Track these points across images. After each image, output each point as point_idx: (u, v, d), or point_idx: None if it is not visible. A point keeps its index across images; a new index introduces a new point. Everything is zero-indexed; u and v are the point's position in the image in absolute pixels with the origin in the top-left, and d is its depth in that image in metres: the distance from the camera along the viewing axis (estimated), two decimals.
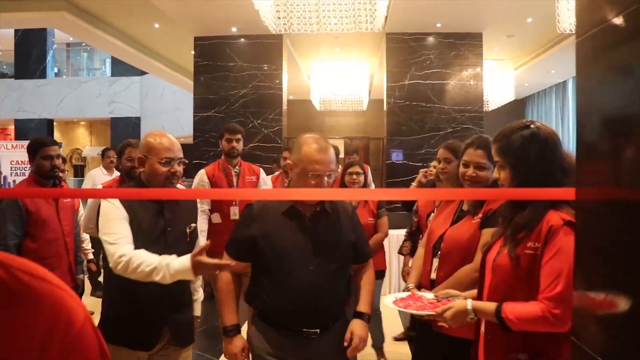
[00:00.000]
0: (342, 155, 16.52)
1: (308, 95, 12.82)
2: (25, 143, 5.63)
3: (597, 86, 1.11)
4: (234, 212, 4.36)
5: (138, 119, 19.16)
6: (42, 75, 20.43)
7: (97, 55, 22.35)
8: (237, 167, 4.59)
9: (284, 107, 8.88)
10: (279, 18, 5.62)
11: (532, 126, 1.97)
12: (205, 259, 2.23)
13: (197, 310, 2.86)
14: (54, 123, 20.61)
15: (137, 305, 2.46)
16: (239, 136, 4.56)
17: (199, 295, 2.90)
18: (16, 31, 19.19)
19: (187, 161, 2.82)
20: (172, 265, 2.26)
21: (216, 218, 4.39)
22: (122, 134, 17.83)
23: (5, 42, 19.83)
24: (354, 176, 4.30)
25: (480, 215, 2.55)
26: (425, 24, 8.08)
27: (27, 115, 19.83)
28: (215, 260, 2.27)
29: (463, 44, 8.37)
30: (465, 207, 2.70)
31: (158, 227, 2.51)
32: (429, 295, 2.42)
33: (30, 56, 20.28)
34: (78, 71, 23.15)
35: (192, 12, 7.74)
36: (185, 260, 2.25)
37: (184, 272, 2.25)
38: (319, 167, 2.31)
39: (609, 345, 1.04)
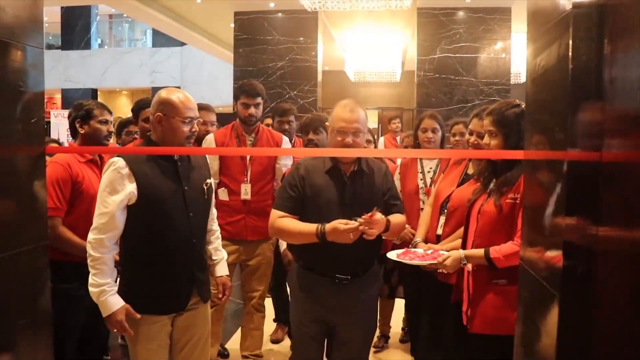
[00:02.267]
0: (375, 125, 16.89)
1: (343, 66, 13.12)
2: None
3: (542, 69, 1.52)
4: (245, 191, 3.64)
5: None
6: (87, 46, 21.05)
7: (138, 26, 22.85)
8: (253, 135, 3.77)
9: (319, 78, 9.26)
10: None
11: (522, 105, 2.42)
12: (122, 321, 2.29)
13: (225, 270, 2.82)
14: (98, 92, 21.30)
15: (166, 270, 2.42)
16: (259, 100, 3.73)
17: (223, 254, 2.84)
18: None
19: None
20: (103, 296, 2.29)
21: (223, 195, 3.66)
22: None
23: (52, 14, 20.45)
24: (430, 134, 3.68)
25: (460, 174, 3.06)
26: None
27: (72, 85, 20.49)
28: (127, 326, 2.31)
29: (492, 18, 8.59)
30: (470, 171, 3.14)
31: (174, 185, 2.41)
32: (420, 250, 2.91)
33: (75, 28, 20.90)
34: (120, 42, 23.75)
35: None
36: (112, 304, 2.30)
37: (102, 308, 2.31)
38: (343, 125, 2.54)
39: (549, 270, 1.46)
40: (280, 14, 9.05)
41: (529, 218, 1.63)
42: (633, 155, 0.98)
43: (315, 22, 9.06)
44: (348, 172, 2.62)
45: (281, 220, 2.60)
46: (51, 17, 20.94)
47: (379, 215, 2.41)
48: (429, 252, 2.80)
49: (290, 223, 2.58)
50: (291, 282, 2.84)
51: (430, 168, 3.63)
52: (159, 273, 2.43)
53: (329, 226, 2.42)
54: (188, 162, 2.52)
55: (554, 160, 1.35)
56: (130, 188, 2.33)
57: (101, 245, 2.32)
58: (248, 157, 3.70)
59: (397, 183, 3.72)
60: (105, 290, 2.31)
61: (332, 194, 2.58)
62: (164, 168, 2.42)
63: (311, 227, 2.49)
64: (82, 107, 3.12)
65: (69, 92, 20.49)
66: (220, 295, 2.79)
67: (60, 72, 20.29)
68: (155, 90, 19.85)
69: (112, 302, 2.31)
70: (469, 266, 2.51)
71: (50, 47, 22.96)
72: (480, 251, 2.39)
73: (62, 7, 20.24)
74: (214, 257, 2.79)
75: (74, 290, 2.83)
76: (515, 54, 9.17)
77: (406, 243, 3.37)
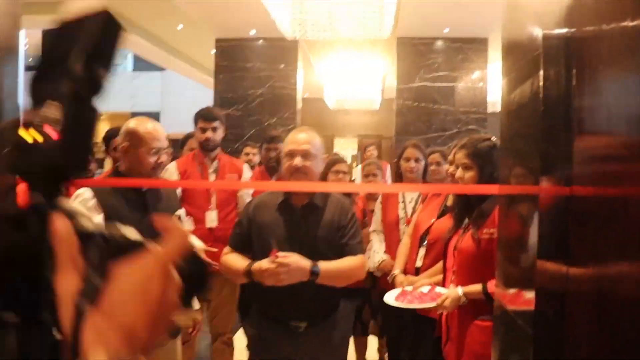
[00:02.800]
0: (355, 152, 16.97)
1: (322, 94, 13.21)
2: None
3: (515, 110, 1.53)
4: (211, 218, 3.50)
5: (157, 114, 19.62)
6: None
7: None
8: (215, 162, 3.70)
9: (298, 106, 9.30)
10: (295, 25, 6.06)
11: (493, 139, 2.45)
12: None
13: (195, 304, 2.68)
14: None
15: None
16: (216, 124, 3.65)
17: None
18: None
19: (172, 150, 2.75)
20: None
21: (188, 224, 3.34)
22: None
23: (33, 37, 20.34)
24: (340, 175, 3.78)
25: (438, 208, 3.01)
26: (433, 29, 8.45)
27: None
28: None
29: (469, 48, 8.73)
30: (449, 203, 3.11)
31: (143, 219, 2.25)
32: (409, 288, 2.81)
33: None
34: None
35: (214, 15, 8.17)
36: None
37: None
38: (292, 147, 2.35)
39: (522, 307, 1.45)
40: (261, 41, 9.11)
41: (503, 252, 1.63)
42: (600, 190, 0.98)
43: (295, 50, 9.13)
44: (299, 206, 2.38)
45: (226, 256, 2.42)
46: (31, 40, 20.80)
47: (293, 259, 2.16)
48: (425, 289, 2.71)
49: (230, 260, 2.39)
50: (247, 328, 2.63)
51: (412, 198, 3.61)
52: None
53: (255, 265, 2.22)
54: (156, 193, 2.47)
55: (527, 195, 1.36)
56: (97, 220, 2.25)
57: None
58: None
59: (378, 213, 3.72)
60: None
61: (281, 230, 2.33)
62: (131, 200, 2.35)
63: (242, 265, 2.28)
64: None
65: None
66: (190, 330, 2.72)
67: None
68: (134, 115, 19.79)
69: None
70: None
71: (30, 69, 22.75)
72: (477, 287, 2.36)
73: (42, 29, 20.12)
74: None
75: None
76: (492, 83, 9.32)
77: (387, 275, 3.34)
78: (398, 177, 3.80)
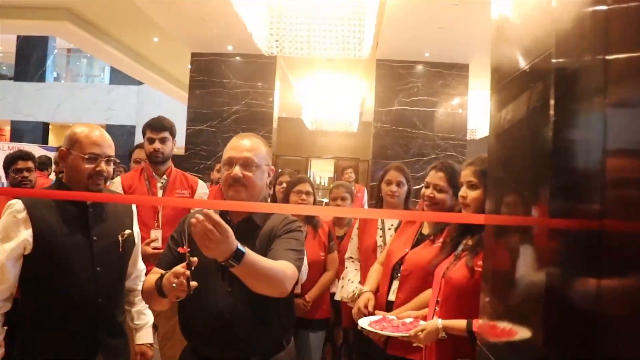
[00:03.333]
0: (331, 174, 16.83)
1: (300, 114, 13.07)
2: (21, 145, 5.82)
3: (504, 133, 1.35)
4: (156, 237, 3.17)
5: (133, 128, 19.30)
6: (42, 79, 20.59)
7: (96, 62, 22.54)
8: (164, 177, 3.41)
9: (275, 125, 9.13)
10: (272, 41, 5.88)
11: None
12: None
13: (148, 337, 2.46)
14: (50, 126, 20.76)
15: (63, 334, 2.09)
16: (166, 134, 3.37)
17: (147, 318, 2.47)
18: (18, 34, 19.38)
19: (118, 161, 2.47)
20: None
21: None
22: (116, 141, 17.58)
23: (7, 44, 20.02)
24: (303, 196, 3.49)
25: (441, 239, 2.61)
26: (414, 53, 8.37)
27: (23, 117, 19.95)
28: None
29: (450, 74, 8.67)
30: (425, 231, 2.83)
31: (80, 235, 2.13)
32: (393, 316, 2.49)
33: (31, 59, 20.47)
34: (77, 77, 23.34)
35: (190, 29, 8.00)
36: None
37: None
38: (231, 154, 2.03)
39: (505, 353, 1.26)
40: (238, 57, 8.94)
41: (488, 290, 1.42)
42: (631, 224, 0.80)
43: (273, 68, 8.99)
44: (236, 222, 2.02)
45: (148, 275, 2.03)
46: (6, 47, 20.49)
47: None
48: (408, 320, 2.41)
49: (149, 277, 1.98)
50: None
51: (392, 225, 3.34)
52: (55, 336, 2.09)
53: (168, 273, 1.77)
54: (103, 209, 2.22)
55: (517, 226, 1.17)
56: (24, 235, 2.04)
57: None
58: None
59: (355, 239, 3.49)
60: None
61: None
62: (70, 214, 2.13)
63: (154, 280, 1.86)
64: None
65: (19, 124, 19.92)
66: None
67: (10, 103, 19.75)
68: (109, 127, 19.70)
69: None
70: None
71: (2, 77, 22.40)
72: (461, 323, 2.08)
73: (17, 37, 19.84)
74: (136, 322, 2.43)
75: None
76: (472, 111, 9.25)
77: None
78: (379, 201, 3.55)
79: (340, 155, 16.40)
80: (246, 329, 1.93)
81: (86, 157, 2.13)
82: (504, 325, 1.27)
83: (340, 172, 8.21)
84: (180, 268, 1.70)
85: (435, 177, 2.71)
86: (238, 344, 1.95)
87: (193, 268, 1.71)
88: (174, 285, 1.69)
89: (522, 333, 1.12)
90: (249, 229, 2.01)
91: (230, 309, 1.92)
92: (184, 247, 1.73)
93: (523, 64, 1.14)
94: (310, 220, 3.52)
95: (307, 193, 3.50)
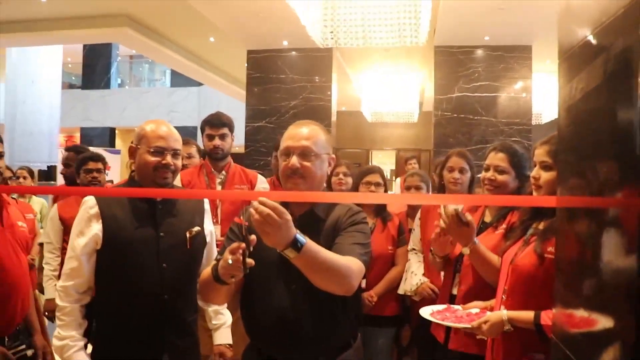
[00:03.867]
0: (393, 167, 16.64)
1: (359, 106, 12.98)
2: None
3: (576, 104, 1.22)
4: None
5: (195, 128, 19.67)
6: (107, 86, 21.30)
7: (157, 67, 23.12)
8: (223, 173, 3.41)
9: (333, 118, 9.05)
10: (326, 33, 5.81)
11: None
12: None
13: (227, 338, 2.42)
14: (116, 131, 21.43)
15: (131, 328, 2.11)
16: (225, 130, 3.37)
17: (225, 318, 2.45)
18: (84, 45, 20.06)
19: (186, 155, 2.51)
20: (66, 352, 2.03)
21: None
22: None
23: (74, 55, 20.78)
24: (372, 187, 3.39)
25: (504, 226, 2.51)
26: (473, 37, 8.11)
27: (91, 124, 20.71)
28: None
29: (512, 57, 8.35)
30: (487, 219, 2.67)
31: (148, 231, 2.12)
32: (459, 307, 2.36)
33: (96, 68, 21.21)
34: (140, 82, 24.03)
35: (244, 26, 8.02)
36: None
37: None
38: (288, 143, 1.93)
39: (585, 349, 1.14)
40: (293, 52, 8.91)
41: (562, 278, 1.30)
42: None
43: (329, 61, 8.90)
44: (297, 215, 1.89)
45: (205, 269, 1.95)
46: (74, 58, 21.27)
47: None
48: (474, 311, 2.27)
49: (206, 269, 1.91)
50: None
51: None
52: (124, 332, 2.11)
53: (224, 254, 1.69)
54: (172, 205, 2.20)
55: (595, 208, 1.05)
56: (95, 229, 2.08)
57: (67, 294, 2.09)
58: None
59: (417, 230, 3.36)
60: (69, 345, 2.04)
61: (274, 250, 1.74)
62: (139, 210, 2.13)
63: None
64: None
65: (88, 130, 20.68)
66: None
67: (79, 111, 20.53)
68: None
69: (75, 359, 2.04)
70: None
71: (71, 86, 23.29)
72: (529, 314, 1.94)
73: (84, 48, 20.55)
74: (213, 322, 2.41)
75: None
76: (537, 94, 8.89)
77: (426, 301, 2.96)
78: (440, 189, 3.40)
79: (401, 147, 16.21)
80: (312, 328, 1.86)
81: (152, 150, 2.13)
82: (582, 316, 1.15)
83: (404, 163, 8.02)
84: (235, 244, 1.62)
85: (495, 158, 2.56)
86: (303, 344, 1.87)
87: (251, 247, 1.63)
88: (230, 262, 1.61)
89: (606, 324, 1.01)
90: (312, 222, 1.92)
91: (295, 307, 1.85)
92: (240, 218, 1.67)
93: (597, 23, 1.01)
94: (380, 213, 3.44)
95: (377, 184, 3.39)
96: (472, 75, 8.43)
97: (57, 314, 2.10)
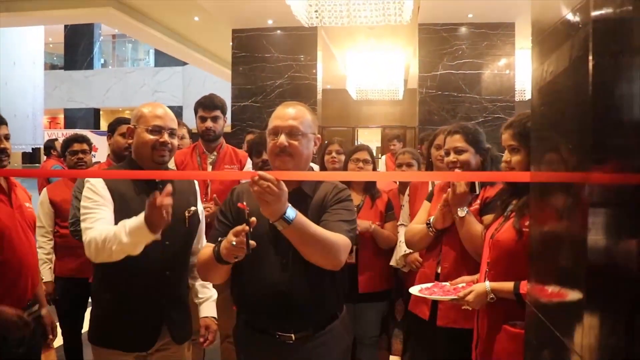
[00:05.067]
0: (379, 144, 16.71)
1: (344, 84, 13.00)
2: (75, 132, 6.05)
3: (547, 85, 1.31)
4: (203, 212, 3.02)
5: (180, 108, 19.61)
6: (90, 66, 21.08)
7: (141, 46, 22.90)
8: (214, 153, 3.51)
9: (319, 97, 9.09)
10: (311, 12, 5.85)
11: None
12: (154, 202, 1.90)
13: (212, 311, 2.52)
14: (101, 112, 21.28)
15: (131, 303, 2.19)
16: (217, 113, 3.47)
17: (211, 293, 2.55)
18: (66, 24, 19.83)
19: (181, 134, 2.58)
20: (127, 226, 1.98)
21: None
22: None
23: (56, 35, 20.52)
24: (361, 164, 3.45)
25: (478, 201, 2.64)
26: (456, 14, 8.15)
27: (75, 105, 20.55)
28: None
29: (495, 34, 8.41)
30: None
31: None
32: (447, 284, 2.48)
33: (79, 48, 20.97)
34: (123, 62, 23.79)
35: (229, 5, 8.00)
36: (139, 216, 1.97)
37: (139, 230, 1.95)
38: (276, 123, 2.01)
39: (558, 313, 1.24)
40: (278, 31, 8.91)
41: (536, 249, 1.40)
42: None
43: (314, 40, 8.91)
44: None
45: (200, 252, 2.08)
46: (55, 38, 21.01)
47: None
48: (461, 285, 2.40)
49: (204, 250, 2.04)
50: (235, 338, 2.25)
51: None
52: (124, 305, 2.20)
53: (228, 235, 1.80)
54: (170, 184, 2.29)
55: (562, 184, 1.14)
56: (108, 196, 2.17)
57: (98, 231, 2.06)
58: None
59: (406, 206, 3.46)
60: (124, 224, 2.01)
61: (265, 220, 1.84)
62: (141, 188, 2.22)
63: (210, 249, 1.92)
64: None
65: (72, 111, 20.52)
66: (201, 340, 2.47)
67: (63, 92, 20.35)
68: None
69: (132, 220, 2.00)
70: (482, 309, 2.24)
71: (53, 67, 23.02)
72: (509, 285, 2.07)
73: (65, 28, 20.29)
74: (200, 295, 2.51)
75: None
76: (520, 71, 8.97)
77: (414, 272, 3.08)
78: (428, 166, 3.50)
79: (387, 124, 16.26)
80: (301, 300, 1.96)
81: (150, 129, 2.23)
82: (552, 286, 1.25)
83: (387, 144, 8.06)
84: (239, 227, 1.74)
85: (452, 140, 2.70)
86: (293, 315, 1.98)
87: (251, 229, 1.74)
88: (234, 243, 1.73)
89: (570, 293, 1.11)
90: (300, 199, 2.01)
91: (285, 280, 1.95)
92: (243, 203, 1.76)
93: (564, 12, 1.10)
94: (369, 190, 3.50)
95: (365, 161, 3.46)
96: (456, 53, 8.49)
97: (108, 245, 2.03)
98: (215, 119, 3.47)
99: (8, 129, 2.45)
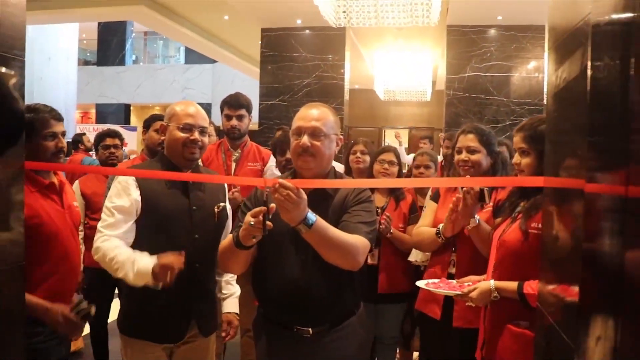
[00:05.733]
0: (406, 145, 16.67)
1: (372, 84, 13.02)
2: (106, 127, 6.21)
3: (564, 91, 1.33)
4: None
5: (209, 105, 19.78)
6: (122, 62, 21.43)
7: (172, 43, 23.17)
8: (238, 150, 3.58)
9: (346, 96, 9.12)
10: (339, 12, 5.88)
11: None
12: (167, 261, 2.02)
13: (235, 307, 2.58)
14: (131, 108, 21.60)
15: (161, 296, 2.18)
16: (242, 112, 3.54)
17: (234, 289, 2.61)
18: (99, 22, 20.17)
19: (212, 134, 2.67)
20: (137, 264, 2.06)
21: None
22: None
23: (89, 32, 20.89)
24: (386, 165, 3.45)
25: (491, 204, 2.65)
26: (486, 16, 8.11)
27: (107, 100, 20.89)
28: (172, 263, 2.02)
29: (525, 36, 8.34)
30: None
31: (181, 204, 2.27)
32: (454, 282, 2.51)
33: (111, 44, 21.33)
34: (154, 59, 24.12)
35: (259, 5, 8.08)
36: (150, 262, 2.06)
37: (144, 275, 2.04)
38: (299, 124, 2.07)
39: (566, 316, 1.26)
40: (307, 31, 8.97)
41: (547, 253, 1.43)
42: None
43: (342, 40, 8.94)
44: (308, 191, 1.96)
45: (223, 240, 2.14)
46: (88, 34, 21.38)
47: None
48: (467, 284, 2.40)
49: (225, 239, 2.11)
50: (253, 332, 2.34)
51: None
52: (155, 298, 2.22)
53: (244, 224, 1.86)
54: (201, 182, 2.39)
55: (575, 189, 1.17)
56: (135, 195, 2.23)
57: (112, 246, 2.14)
58: (233, 171, 3.52)
59: (431, 206, 3.43)
60: (133, 260, 2.09)
61: (285, 224, 1.91)
62: (173, 184, 2.29)
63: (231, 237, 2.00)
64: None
65: (103, 107, 20.87)
66: (223, 334, 2.53)
67: (95, 87, 20.69)
68: None
69: (144, 262, 2.08)
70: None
71: (86, 63, 23.44)
72: (513, 284, 2.10)
73: (99, 24, 20.64)
74: (224, 291, 2.57)
75: (38, 343, 2.28)
76: None
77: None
78: (450, 167, 3.48)
79: (414, 125, 16.23)
80: (319, 296, 2.02)
81: (181, 127, 2.29)
82: (562, 290, 1.27)
83: (417, 142, 8.07)
84: (257, 208, 1.82)
85: (466, 139, 2.73)
86: (311, 310, 2.04)
87: (270, 215, 1.81)
88: (252, 223, 1.79)
89: (580, 298, 1.13)
90: (322, 198, 2.06)
91: (304, 277, 2.01)
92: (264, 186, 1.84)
93: (577, 19, 1.12)
94: (393, 192, 3.50)
95: (391, 163, 3.46)
96: (485, 55, 8.45)
97: (114, 266, 2.11)
98: (240, 118, 3.54)
99: (63, 125, 2.48)
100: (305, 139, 2.03)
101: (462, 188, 2.54)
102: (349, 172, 3.68)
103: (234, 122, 3.52)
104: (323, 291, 2.02)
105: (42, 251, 2.25)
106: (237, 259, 2.03)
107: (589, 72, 0.97)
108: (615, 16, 0.97)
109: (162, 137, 2.41)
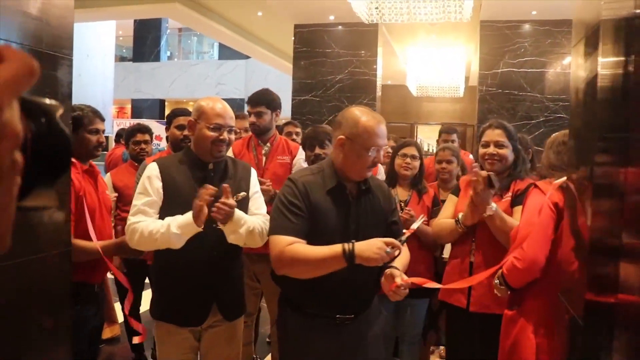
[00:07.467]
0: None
1: (405, 80, 13.00)
2: (141, 121, 6.36)
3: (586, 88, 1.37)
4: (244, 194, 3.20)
5: (242, 100, 19.95)
6: (157, 58, 21.80)
7: (205, 39, 23.47)
8: (268, 144, 3.69)
9: (378, 92, 9.15)
10: (371, 9, 5.93)
11: None
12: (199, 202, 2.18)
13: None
14: (166, 103, 21.95)
15: (186, 282, 2.41)
16: (261, 109, 3.63)
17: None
18: (135, 19, 20.54)
19: (238, 130, 2.72)
20: (175, 221, 2.25)
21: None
22: None
23: (126, 29, 21.29)
24: (408, 159, 3.49)
25: (509, 194, 2.75)
26: (520, 11, 8.03)
27: (142, 96, 21.30)
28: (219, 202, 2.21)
29: (559, 32, 8.24)
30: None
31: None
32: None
33: (146, 41, 21.71)
34: (188, 54, 24.47)
35: (291, 1, 8.16)
36: (183, 215, 2.26)
37: (188, 225, 2.23)
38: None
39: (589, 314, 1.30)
40: (340, 27, 9.02)
41: (568, 250, 1.47)
42: None
43: (375, 36, 8.96)
44: (354, 192, 2.23)
45: (292, 247, 2.06)
46: (125, 31, 21.79)
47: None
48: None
49: (307, 249, 2.07)
50: (280, 331, 2.41)
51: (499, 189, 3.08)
52: (178, 283, 2.44)
53: (360, 245, 1.97)
54: (223, 172, 2.51)
55: (602, 183, 1.21)
56: (157, 185, 2.39)
57: (146, 224, 2.31)
58: (264, 164, 3.62)
59: (452, 199, 3.46)
60: (170, 223, 2.27)
61: (334, 217, 2.15)
62: (195, 175, 2.44)
63: (334, 249, 2.00)
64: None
65: (138, 102, 21.27)
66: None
67: (131, 83, 21.10)
68: None
69: (180, 218, 2.27)
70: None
71: (123, 59, 23.89)
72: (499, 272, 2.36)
73: (134, 22, 21.02)
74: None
75: (77, 312, 2.50)
76: None
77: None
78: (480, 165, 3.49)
79: (446, 121, 16.13)
80: (363, 287, 2.24)
81: (212, 127, 2.41)
82: (587, 288, 1.32)
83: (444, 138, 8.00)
84: (391, 239, 2.03)
85: (493, 134, 2.81)
86: (356, 300, 2.25)
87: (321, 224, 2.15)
88: (388, 251, 1.97)
89: (605, 298, 1.17)
90: (367, 197, 2.28)
91: (350, 269, 2.04)
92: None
93: (599, 17, 1.16)
94: (416, 185, 3.54)
95: (413, 157, 3.47)
96: (518, 51, 8.36)
97: (147, 240, 2.30)
98: (259, 115, 3.62)
99: (104, 124, 2.81)
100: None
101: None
102: (394, 175, 3.61)
103: (252, 118, 3.66)
104: (366, 281, 2.21)
105: (85, 221, 2.53)
106: (328, 269, 2.06)
107: (621, 67, 1.01)
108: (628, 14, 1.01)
109: (186, 133, 2.57)
